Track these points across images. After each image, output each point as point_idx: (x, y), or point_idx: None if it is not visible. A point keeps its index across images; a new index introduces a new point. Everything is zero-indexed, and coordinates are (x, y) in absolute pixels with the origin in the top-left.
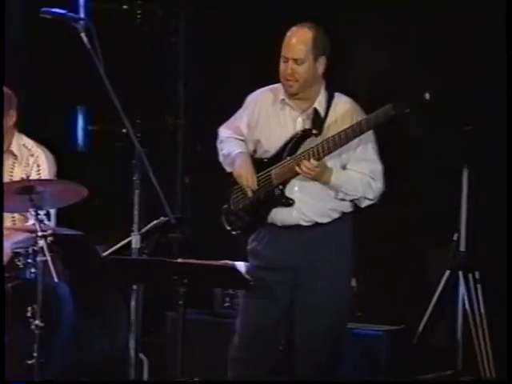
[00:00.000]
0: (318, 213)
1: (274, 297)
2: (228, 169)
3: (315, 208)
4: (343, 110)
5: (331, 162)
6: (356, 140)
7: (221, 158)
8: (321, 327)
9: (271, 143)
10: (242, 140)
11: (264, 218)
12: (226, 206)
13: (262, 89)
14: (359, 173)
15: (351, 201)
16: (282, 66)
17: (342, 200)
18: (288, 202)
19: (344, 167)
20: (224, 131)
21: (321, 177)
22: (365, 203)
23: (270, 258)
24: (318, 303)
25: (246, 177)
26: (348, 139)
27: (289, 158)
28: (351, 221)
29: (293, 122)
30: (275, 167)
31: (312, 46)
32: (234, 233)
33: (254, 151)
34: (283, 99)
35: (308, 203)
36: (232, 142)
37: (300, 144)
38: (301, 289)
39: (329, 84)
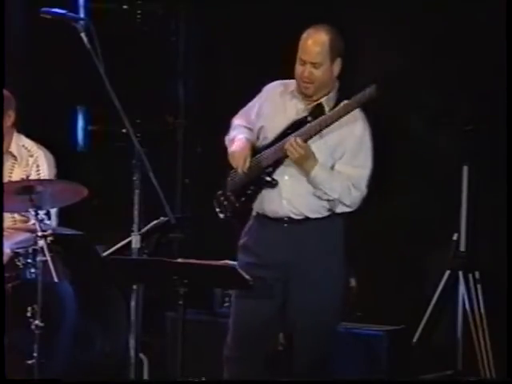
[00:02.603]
0: (308, 207)
1: (265, 294)
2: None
3: (305, 202)
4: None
5: (322, 158)
6: (350, 144)
7: (226, 142)
8: (311, 324)
9: (272, 130)
10: (250, 129)
11: (251, 200)
12: (220, 191)
13: (277, 81)
14: (342, 175)
15: (327, 200)
16: (298, 68)
17: (319, 198)
18: (272, 183)
19: (333, 166)
20: (236, 120)
21: (304, 162)
22: (340, 208)
23: (260, 254)
24: (308, 300)
25: (239, 157)
26: (333, 120)
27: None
28: (342, 220)
29: (296, 112)
30: (267, 150)
31: (329, 50)
32: (221, 216)
33: (258, 138)
34: (293, 91)
35: (297, 194)
36: (239, 129)
37: (295, 131)
38: (291, 285)
39: (341, 87)
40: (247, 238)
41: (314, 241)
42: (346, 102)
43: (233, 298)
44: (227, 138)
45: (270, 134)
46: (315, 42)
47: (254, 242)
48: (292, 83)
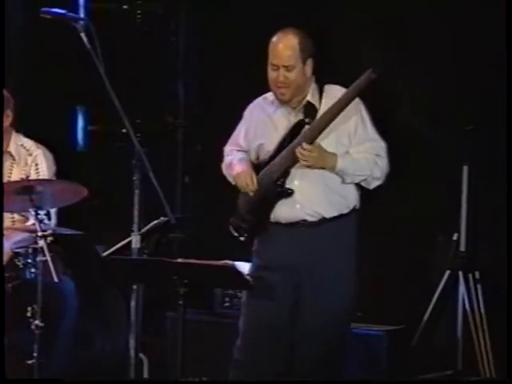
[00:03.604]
0: (322, 205)
1: (276, 297)
2: (231, 179)
3: (318, 200)
4: (335, 98)
5: (332, 149)
6: (353, 124)
7: (224, 171)
8: (323, 328)
9: (271, 145)
10: (244, 151)
11: (268, 216)
12: (233, 217)
13: (254, 101)
14: (363, 153)
15: (359, 184)
16: (271, 73)
17: (352, 183)
18: (287, 193)
19: (346, 152)
20: (227, 147)
21: (323, 163)
22: (373, 184)
23: (272, 257)
24: (321, 304)
25: (245, 177)
26: (337, 112)
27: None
28: (356, 220)
29: (286, 119)
30: (273, 162)
31: (300, 51)
32: (242, 239)
33: (257, 159)
34: (273, 101)
35: (310, 195)
36: (233, 153)
37: (296, 135)
38: (303, 289)
39: (318, 77)
40: (260, 244)
41: (327, 242)
42: (346, 90)
43: (243, 300)
44: (224, 165)
45: (271, 147)
46: (285, 46)
47: (267, 247)
48: (269, 95)
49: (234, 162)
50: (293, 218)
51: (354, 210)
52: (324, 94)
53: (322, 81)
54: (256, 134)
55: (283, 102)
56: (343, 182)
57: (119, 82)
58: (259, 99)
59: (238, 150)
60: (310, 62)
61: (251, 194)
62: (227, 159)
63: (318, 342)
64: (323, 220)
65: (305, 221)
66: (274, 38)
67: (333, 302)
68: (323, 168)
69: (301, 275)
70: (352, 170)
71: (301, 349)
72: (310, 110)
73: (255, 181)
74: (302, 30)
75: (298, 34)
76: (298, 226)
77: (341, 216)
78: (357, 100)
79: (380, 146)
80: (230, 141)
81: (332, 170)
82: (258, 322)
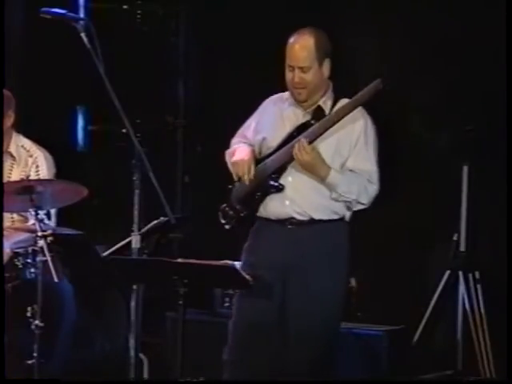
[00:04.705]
0: (312, 206)
1: (267, 296)
2: (230, 166)
3: (308, 200)
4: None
5: (329, 156)
6: (356, 137)
7: (226, 158)
8: (307, 326)
9: (274, 140)
10: (250, 144)
11: (256, 208)
12: (224, 205)
13: (272, 96)
14: (357, 174)
15: (344, 202)
16: (288, 74)
17: (335, 200)
18: (278, 188)
19: (343, 165)
20: (234, 140)
21: (314, 167)
22: (356, 207)
23: (262, 254)
24: (305, 301)
25: (243, 166)
26: (342, 115)
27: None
28: (347, 225)
29: (295, 118)
30: (271, 157)
31: (316, 52)
32: (227, 227)
33: (260, 152)
34: (287, 98)
35: (301, 193)
36: (239, 143)
37: (299, 135)
38: (290, 286)
39: (336, 87)
40: (251, 241)
41: (316, 242)
42: (352, 98)
43: (234, 298)
44: (227, 153)
45: (274, 143)
46: (301, 47)
47: (257, 244)
48: (287, 93)
49: (236, 151)
50: (282, 215)
51: (344, 218)
52: (337, 106)
53: (339, 94)
54: (263, 127)
55: (299, 102)
56: (329, 196)
57: (119, 82)
58: (277, 96)
59: (245, 142)
60: (327, 63)
61: (246, 183)
62: (232, 148)
63: (302, 341)
64: (312, 220)
65: (293, 218)
66: (291, 39)
67: (317, 302)
68: (312, 173)
69: (289, 273)
70: (340, 189)
71: (290, 348)
72: (318, 113)
73: (252, 171)
74: (320, 30)
75: (315, 34)
76: (287, 224)
77: (330, 220)
78: (366, 116)
79: (374, 170)
80: (239, 133)
81: (321, 179)
82: (247, 321)
